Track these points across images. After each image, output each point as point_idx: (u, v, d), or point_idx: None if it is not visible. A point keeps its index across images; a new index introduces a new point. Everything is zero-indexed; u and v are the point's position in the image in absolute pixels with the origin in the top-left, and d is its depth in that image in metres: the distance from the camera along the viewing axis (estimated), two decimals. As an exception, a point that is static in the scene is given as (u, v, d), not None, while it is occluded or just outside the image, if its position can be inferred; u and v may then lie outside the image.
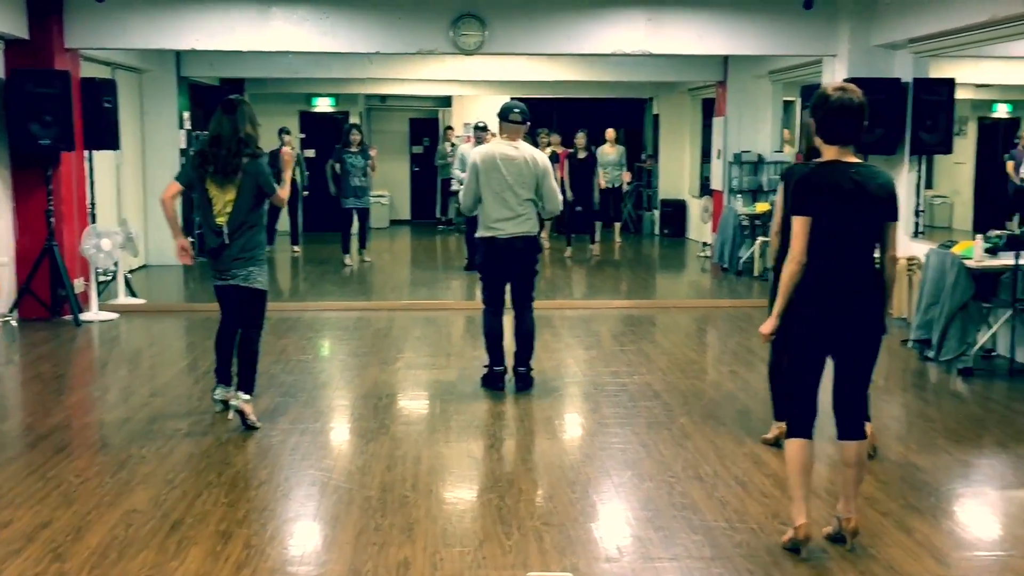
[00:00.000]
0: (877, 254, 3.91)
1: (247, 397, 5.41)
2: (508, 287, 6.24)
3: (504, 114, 6.12)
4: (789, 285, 3.77)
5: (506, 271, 6.16)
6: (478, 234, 6.16)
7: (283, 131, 13.10)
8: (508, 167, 6.01)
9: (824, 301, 3.76)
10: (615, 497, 4.48)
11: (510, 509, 4.31)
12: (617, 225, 15.02)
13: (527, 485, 4.68)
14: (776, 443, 5.05)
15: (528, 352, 6.28)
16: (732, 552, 3.84)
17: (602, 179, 13.33)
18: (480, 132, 11.22)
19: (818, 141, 3.84)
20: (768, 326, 3.89)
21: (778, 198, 4.92)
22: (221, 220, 5.32)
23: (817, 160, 3.88)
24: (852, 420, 3.87)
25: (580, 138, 13.01)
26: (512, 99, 6.47)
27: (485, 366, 6.33)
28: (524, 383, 6.27)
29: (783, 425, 4.78)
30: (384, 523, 4.12)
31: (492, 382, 6.26)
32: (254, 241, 5.38)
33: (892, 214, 3.84)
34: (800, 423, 3.85)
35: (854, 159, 3.81)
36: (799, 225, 3.75)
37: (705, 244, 13.47)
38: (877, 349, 3.85)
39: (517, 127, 6.10)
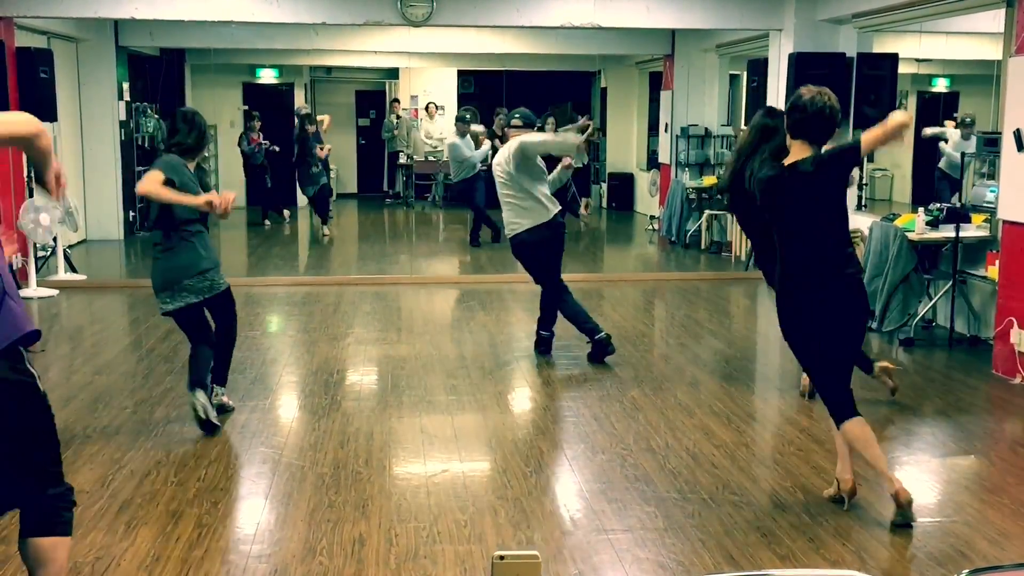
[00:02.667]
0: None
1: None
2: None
3: (507, 121, 6.61)
4: None
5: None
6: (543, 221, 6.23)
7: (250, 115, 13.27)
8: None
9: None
10: (568, 470, 4.51)
11: (464, 484, 4.32)
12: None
13: (480, 459, 4.69)
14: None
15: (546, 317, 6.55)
16: (684, 523, 3.89)
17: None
18: (463, 124, 11.88)
19: (788, 138, 4.00)
20: None
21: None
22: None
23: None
24: None
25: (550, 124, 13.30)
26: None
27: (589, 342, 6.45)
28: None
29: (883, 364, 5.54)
30: (338, 500, 4.10)
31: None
32: None
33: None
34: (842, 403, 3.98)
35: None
36: None
37: (653, 217, 13.56)
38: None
39: (518, 131, 6.35)
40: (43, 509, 2.88)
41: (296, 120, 13.49)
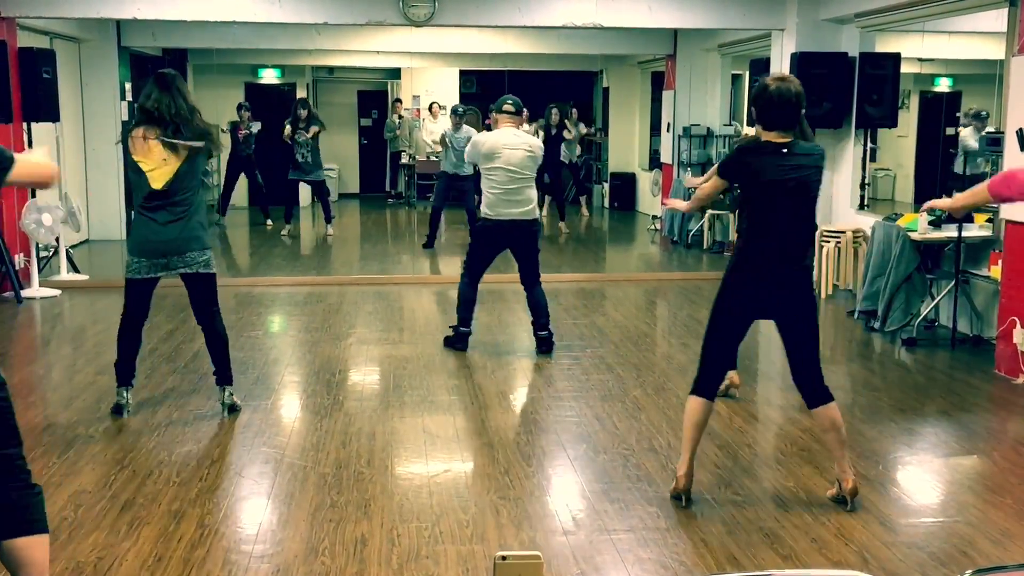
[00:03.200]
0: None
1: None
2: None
3: (499, 106, 6.61)
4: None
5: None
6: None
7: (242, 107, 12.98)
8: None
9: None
10: (570, 470, 4.51)
11: (466, 484, 4.32)
12: (583, 198, 15.41)
13: (482, 459, 4.69)
14: (726, 394, 5.49)
15: (544, 318, 6.60)
16: (687, 523, 3.89)
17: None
18: (456, 117, 11.65)
19: (757, 127, 4.01)
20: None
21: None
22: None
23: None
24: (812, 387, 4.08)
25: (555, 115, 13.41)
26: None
27: (452, 327, 6.71)
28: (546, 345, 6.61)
29: (733, 376, 5.37)
30: (340, 500, 4.10)
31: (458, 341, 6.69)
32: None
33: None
34: (708, 383, 4.12)
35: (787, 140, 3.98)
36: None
37: (655, 217, 13.56)
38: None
39: (511, 117, 6.53)
40: (18, 507, 2.84)
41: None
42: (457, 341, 6.60)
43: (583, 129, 14.95)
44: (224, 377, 5.21)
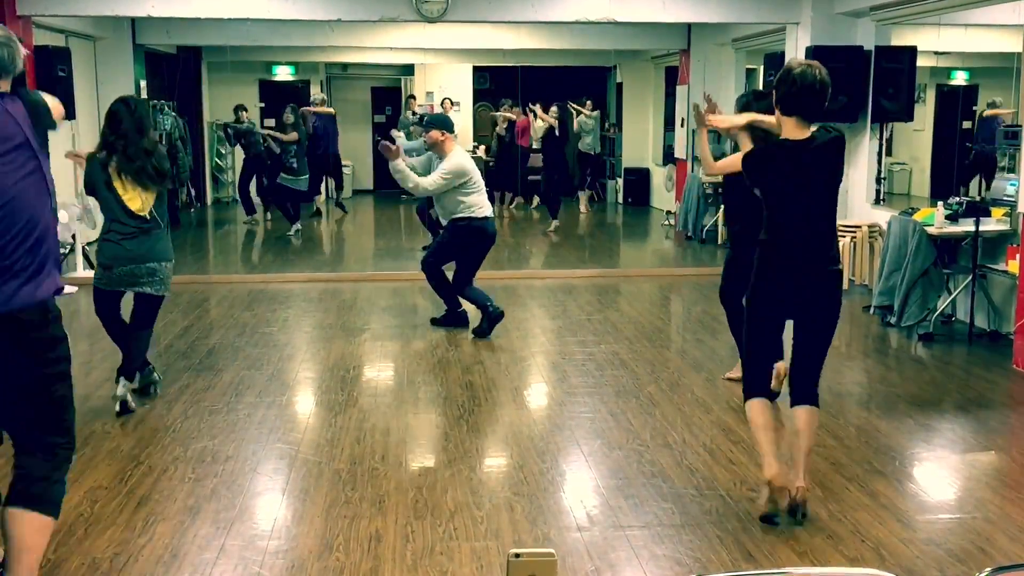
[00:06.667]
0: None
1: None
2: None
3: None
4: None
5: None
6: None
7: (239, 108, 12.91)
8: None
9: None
10: (584, 466, 4.50)
11: (480, 480, 4.32)
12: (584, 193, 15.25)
13: (497, 456, 4.69)
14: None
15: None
16: (702, 519, 3.88)
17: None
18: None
19: (777, 113, 3.79)
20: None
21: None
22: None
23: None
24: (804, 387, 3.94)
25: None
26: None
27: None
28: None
29: (780, 367, 5.04)
30: (354, 496, 4.10)
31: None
32: None
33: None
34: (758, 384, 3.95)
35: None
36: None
37: (669, 212, 13.52)
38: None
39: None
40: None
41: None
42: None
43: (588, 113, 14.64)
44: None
